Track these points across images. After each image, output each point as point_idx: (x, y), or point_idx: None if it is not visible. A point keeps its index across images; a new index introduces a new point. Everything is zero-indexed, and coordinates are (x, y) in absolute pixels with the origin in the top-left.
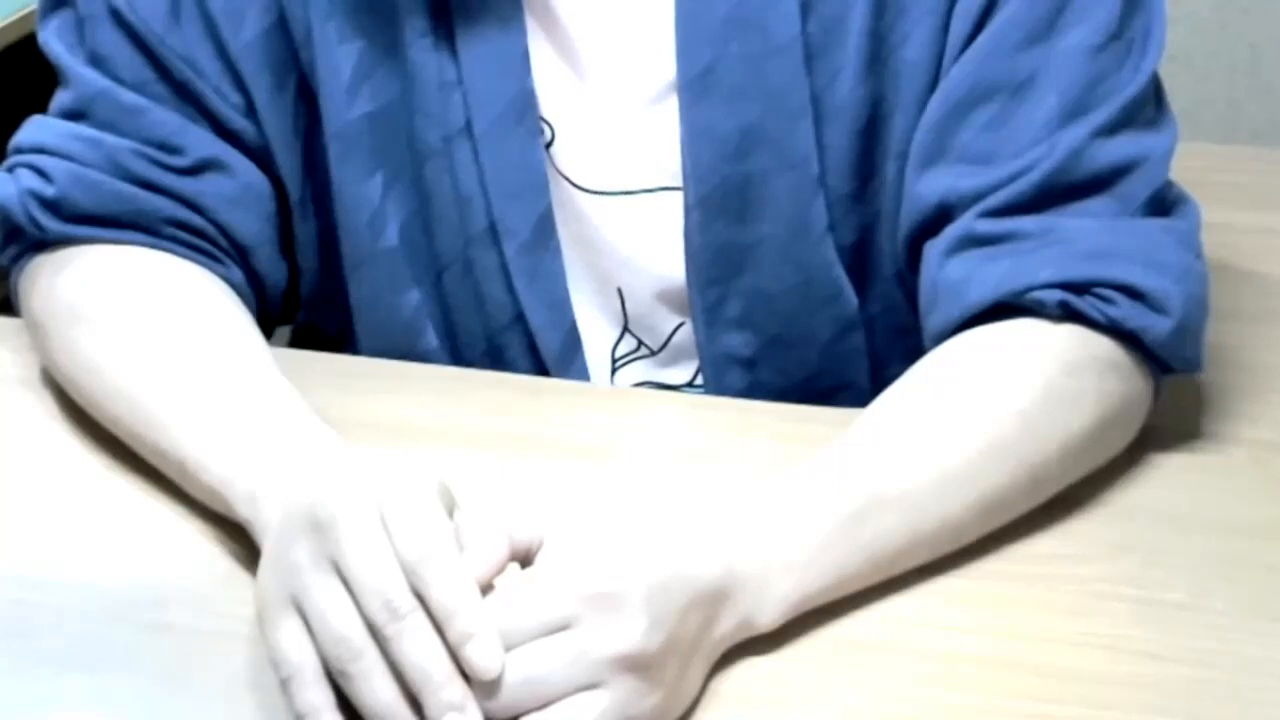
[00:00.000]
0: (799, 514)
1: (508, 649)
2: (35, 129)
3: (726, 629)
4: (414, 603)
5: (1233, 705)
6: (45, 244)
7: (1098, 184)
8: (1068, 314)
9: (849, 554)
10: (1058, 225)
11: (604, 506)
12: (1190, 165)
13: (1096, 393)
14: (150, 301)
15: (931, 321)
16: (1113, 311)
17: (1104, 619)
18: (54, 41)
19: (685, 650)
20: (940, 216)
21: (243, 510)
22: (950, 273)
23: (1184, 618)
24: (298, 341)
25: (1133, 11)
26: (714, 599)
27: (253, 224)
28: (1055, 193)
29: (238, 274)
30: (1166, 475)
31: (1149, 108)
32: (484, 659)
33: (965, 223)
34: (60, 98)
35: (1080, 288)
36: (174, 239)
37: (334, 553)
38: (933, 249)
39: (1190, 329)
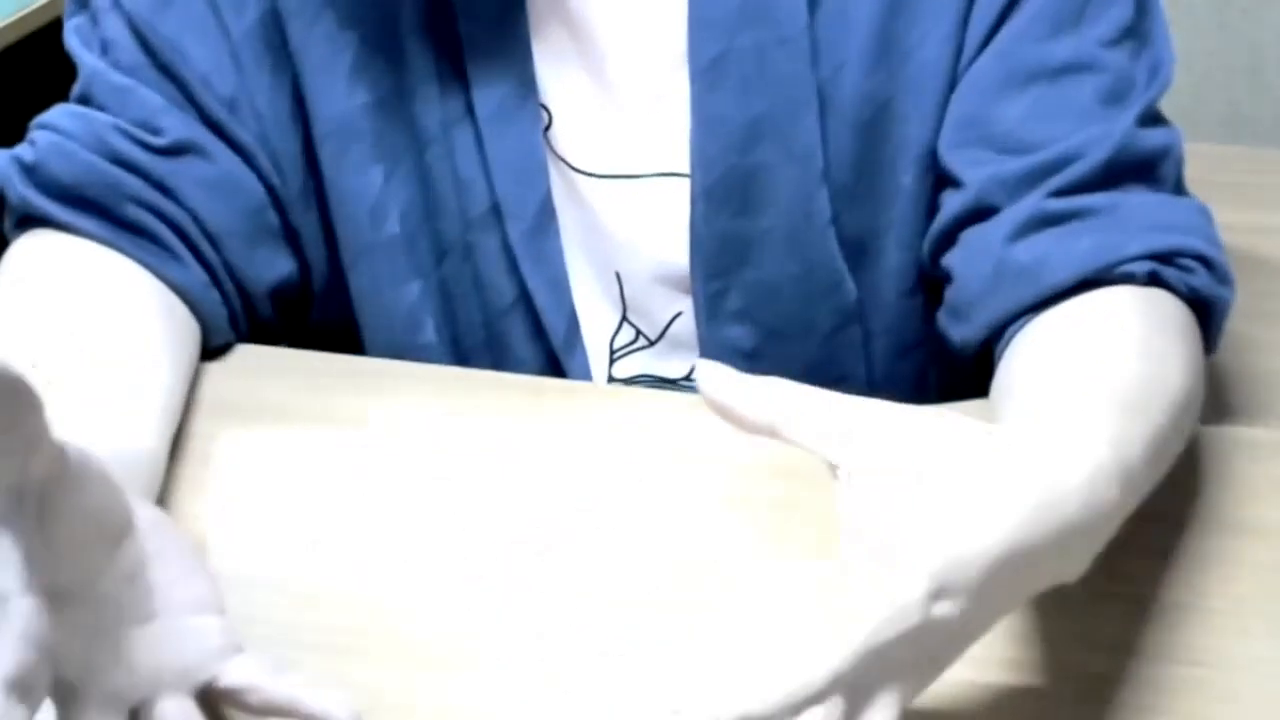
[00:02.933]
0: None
1: None
2: (50, 112)
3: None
4: None
5: (1232, 705)
6: (31, 219)
7: (1144, 169)
8: (1153, 284)
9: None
10: (1123, 202)
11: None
12: (1190, 165)
13: (1196, 357)
14: (57, 309)
15: (990, 306)
16: (1194, 281)
17: (1104, 619)
18: (73, 37)
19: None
20: (982, 205)
21: None
22: (1020, 255)
23: (1184, 618)
24: (303, 341)
25: (1142, 15)
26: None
27: (226, 213)
28: (1114, 173)
29: (197, 274)
30: (1166, 475)
31: (1157, 108)
32: None
33: (1034, 201)
34: (75, 87)
35: (1165, 258)
36: (135, 222)
37: None
38: (989, 234)
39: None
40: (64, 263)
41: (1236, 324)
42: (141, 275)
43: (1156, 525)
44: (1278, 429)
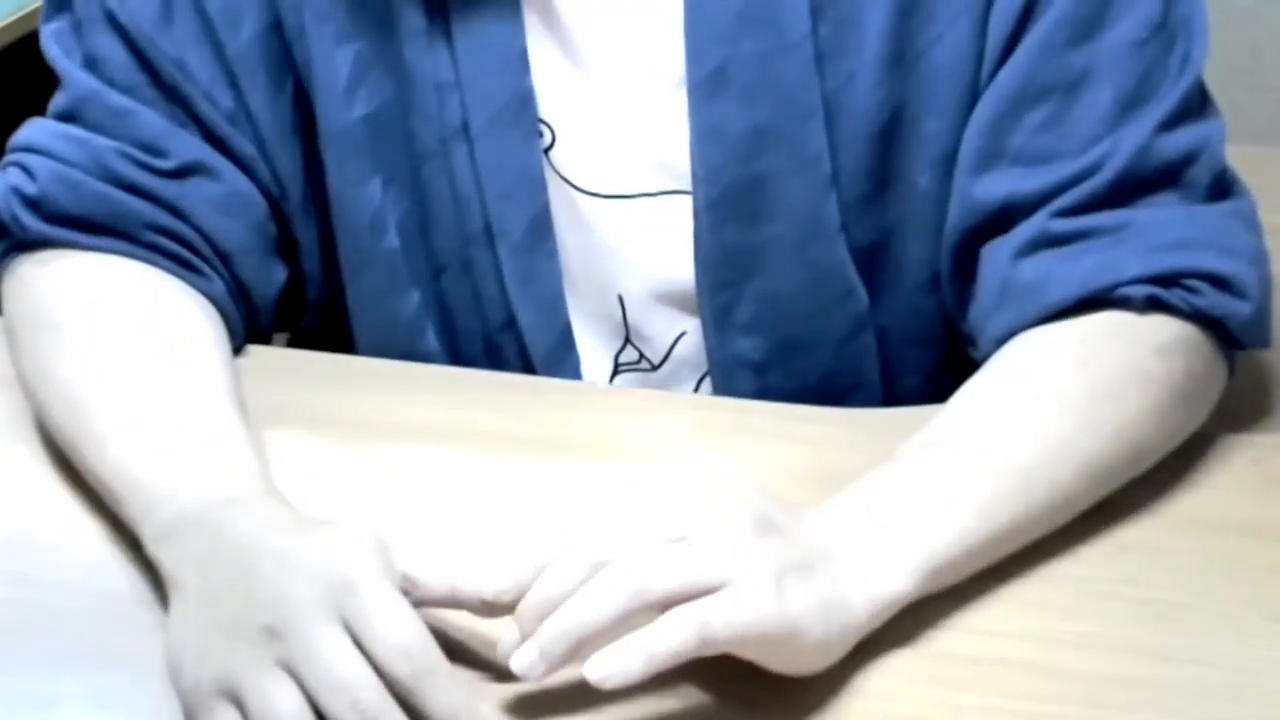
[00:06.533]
0: (915, 487)
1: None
2: (30, 129)
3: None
4: (388, 704)
5: (1233, 705)
6: (28, 244)
7: (1165, 177)
8: (1154, 306)
9: (973, 521)
10: (1133, 219)
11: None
12: None
13: (1185, 375)
14: (118, 317)
15: (997, 321)
16: (1198, 301)
17: (1104, 619)
18: (52, 44)
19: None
20: (1001, 219)
21: (151, 548)
22: (1024, 273)
23: (1184, 618)
24: (297, 344)
25: (1171, 5)
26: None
27: (236, 230)
28: (1127, 188)
29: (219, 286)
30: (1166, 475)
31: (1198, 97)
32: None
33: (1039, 222)
34: (56, 100)
35: (1167, 280)
36: (154, 245)
37: (288, 658)
38: (999, 250)
39: (1265, 309)
40: (117, 282)
41: None
42: (177, 284)
43: (1157, 525)
44: (1278, 429)
